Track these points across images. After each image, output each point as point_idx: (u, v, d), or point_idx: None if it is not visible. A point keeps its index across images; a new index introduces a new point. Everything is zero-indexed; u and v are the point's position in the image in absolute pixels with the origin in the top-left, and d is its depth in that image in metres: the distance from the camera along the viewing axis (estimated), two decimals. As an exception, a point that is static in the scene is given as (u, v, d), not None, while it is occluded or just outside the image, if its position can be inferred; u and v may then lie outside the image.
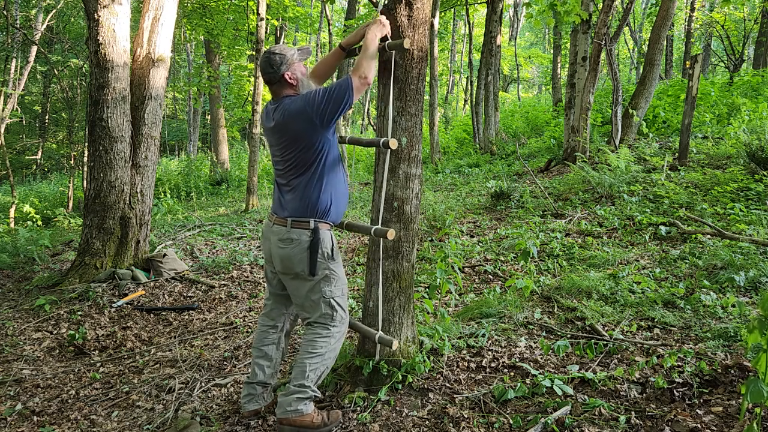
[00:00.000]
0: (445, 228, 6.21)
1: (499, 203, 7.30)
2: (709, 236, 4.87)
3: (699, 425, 2.34)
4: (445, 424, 2.58)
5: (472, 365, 3.12)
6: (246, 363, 3.62)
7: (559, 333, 3.51)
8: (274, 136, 2.69)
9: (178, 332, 4.41)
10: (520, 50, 27.83)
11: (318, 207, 2.64)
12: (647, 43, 10.86)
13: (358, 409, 2.78)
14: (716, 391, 2.62)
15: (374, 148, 3.04)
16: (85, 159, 11.15)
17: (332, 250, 2.68)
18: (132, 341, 4.28)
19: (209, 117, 19.29)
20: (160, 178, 14.68)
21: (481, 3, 17.44)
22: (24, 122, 23.53)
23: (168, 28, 5.87)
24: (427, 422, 2.63)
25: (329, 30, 15.66)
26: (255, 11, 11.91)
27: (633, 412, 2.50)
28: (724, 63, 17.83)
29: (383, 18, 2.73)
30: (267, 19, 13.21)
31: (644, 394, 2.66)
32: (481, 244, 5.73)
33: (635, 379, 2.78)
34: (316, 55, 19.75)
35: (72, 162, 14.63)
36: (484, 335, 3.44)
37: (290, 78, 2.66)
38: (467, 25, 18.24)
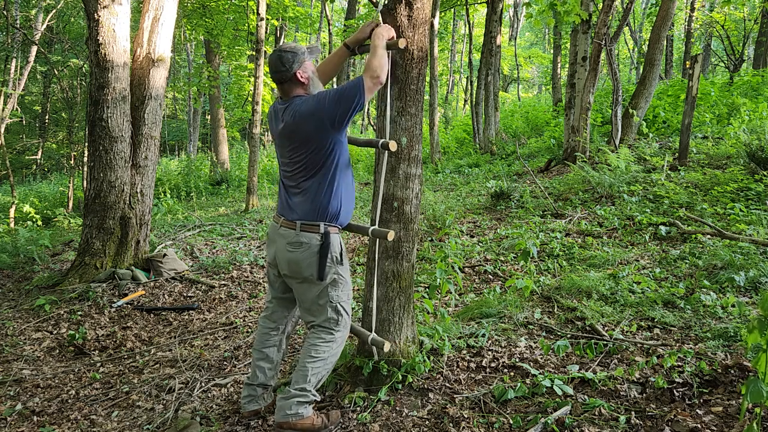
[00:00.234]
0: (445, 228, 6.20)
1: (499, 203, 7.30)
2: (709, 236, 4.87)
3: (699, 425, 2.34)
4: (445, 424, 2.58)
5: (472, 365, 3.12)
6: (246, 363, 3.62)
7: (559, 333, 3.51)
8: (283, 137, 2.62)
9: (178, 332, 4.41)
10: (520, 50, 27.85)
11: (329, 210, 2.60)
12: (647, 43, 10.86)
13: (358, 409, 2.78)
14: (716, 391, 2.62)
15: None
16: (85, 159, 11.14)
17: (341, 254, 2.64)
18: (132, 341, 4.28)
19: (209, 117, 19.28)
20: (160, 178, 14.67)
21: (481, 3, 17.44)
22: (24, 122, 23.54)
23: (168, 28, 5.88)
24: (427, 422, 2.63)
25: (329, 30, 15.68)
26: (255, 11, 11.91)
27: (633, 412, 2.50)
28: (724, 63, 17.82)
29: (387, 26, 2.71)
30: (267, 19, 13.22)
31: (644, 394, 2.66)
32: (481, 244, 5.73)
33: (635, 379, 2.78)
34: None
35: (72, 162, 14.62)
36: (484, 335, 3.44)
37: (302, 77, 2.59)
38: (467, 25, 18.24)
